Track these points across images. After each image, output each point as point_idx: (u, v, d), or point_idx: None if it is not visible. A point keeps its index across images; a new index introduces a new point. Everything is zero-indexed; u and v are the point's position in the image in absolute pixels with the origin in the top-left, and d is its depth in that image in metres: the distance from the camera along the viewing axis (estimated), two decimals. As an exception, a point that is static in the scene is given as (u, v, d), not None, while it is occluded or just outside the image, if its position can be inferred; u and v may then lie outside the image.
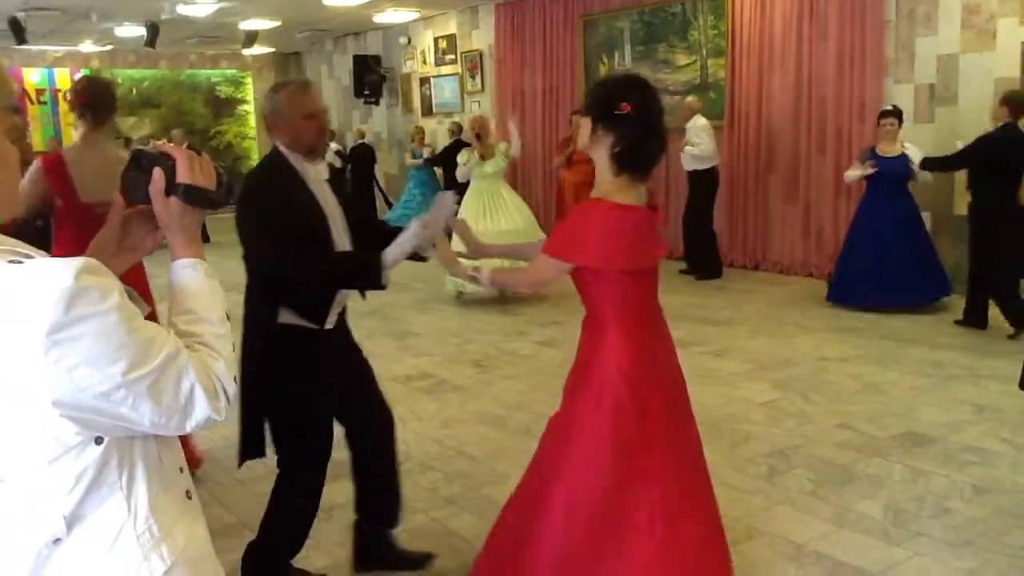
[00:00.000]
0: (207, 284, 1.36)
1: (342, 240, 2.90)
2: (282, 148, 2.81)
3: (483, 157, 8.15)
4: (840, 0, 8.38)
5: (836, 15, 8.44)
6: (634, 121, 2.48)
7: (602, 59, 10.95)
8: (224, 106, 17.60)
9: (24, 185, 3.53)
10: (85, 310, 1.08)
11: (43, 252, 1.19)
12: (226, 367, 1.28)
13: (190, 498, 1.33)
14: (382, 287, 2.71)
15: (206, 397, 1.21)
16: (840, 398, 5.08)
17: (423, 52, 13.97)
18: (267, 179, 2.83)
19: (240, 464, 2.93)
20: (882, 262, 6.91)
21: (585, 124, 2.57)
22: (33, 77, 15.77)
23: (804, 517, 3.62)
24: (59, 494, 1.15)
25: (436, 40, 13.67)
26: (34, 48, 14.50)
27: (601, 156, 2.55)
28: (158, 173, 1.34)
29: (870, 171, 6.92)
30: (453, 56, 13.37)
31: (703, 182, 8.81)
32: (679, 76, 10.06)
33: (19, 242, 1.18)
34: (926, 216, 7.36)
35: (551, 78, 11.62)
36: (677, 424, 2.65)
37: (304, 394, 2.84)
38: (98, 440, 1.16)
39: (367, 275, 2.74)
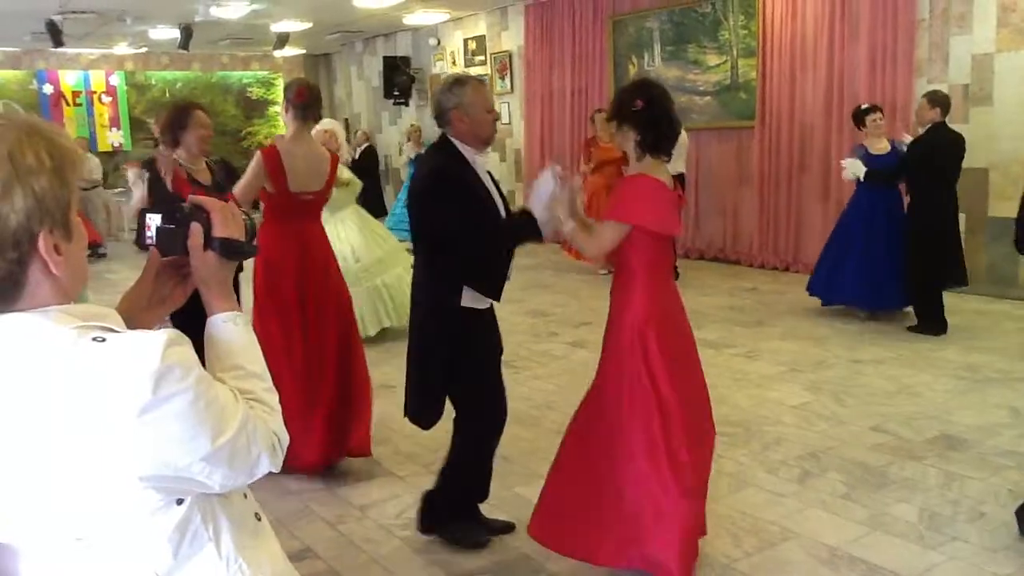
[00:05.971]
0: (248, 337, 1.35)
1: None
2: (454, 139, 3.09)
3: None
4: (872, -1, 8.33)
5: (868, 14, 8.37)
6: (646, 113, 3.01)
7: (631, 60, 10.93)
8: (255, 107, 17.77)
9: (249, 179, 4.07)
10: (170, 389, 1.10)
11: (120, 322, 1.20)
12: (279, 421, 1.30)
13: (259, 519, 1.35)
14: (540, 237, 3.15)
15: (268, 456, 1.24)
16: (873, 400, 5.05)
17: (452, 53, 14.02)
18: (445, 165, 3.10)
19: (428, 427, 3.32)
20: (872, 259, 6.70)
21: (612, 127, 3.16)
22: (69, 79, 16.02)
23: (838, 520, 3.61)
24: (151, 553, 1.17)
25: (466, 41, 13.73)
26: (70, 51, 14.74)
27: (629, 147, 3.07)
28: (196, 228, 1.34)
29: (863, 170, 6.65)
30: (483, 57, 13.41)
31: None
32: (709, 76, 10.03)
33: (94, 309, 1.19)
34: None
35: (580, 79, 11.62)
36: (686, 371, 3.09)
37: (481, 362, 3.24)
38: (179, 500, 1.19)
39: (529, 229, 3.13)
